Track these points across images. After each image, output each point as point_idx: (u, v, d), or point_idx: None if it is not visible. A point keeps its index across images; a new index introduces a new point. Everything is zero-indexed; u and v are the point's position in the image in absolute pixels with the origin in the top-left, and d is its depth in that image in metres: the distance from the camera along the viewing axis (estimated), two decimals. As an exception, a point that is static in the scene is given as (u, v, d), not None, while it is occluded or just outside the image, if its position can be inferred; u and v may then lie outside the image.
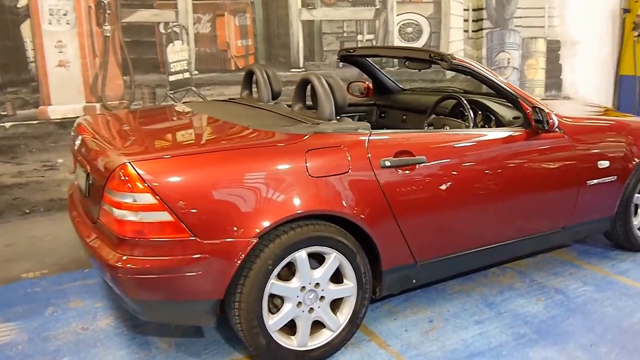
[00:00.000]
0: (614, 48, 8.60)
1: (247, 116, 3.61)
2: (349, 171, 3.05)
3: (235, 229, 2.78)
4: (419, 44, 6.91)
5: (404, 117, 4.83)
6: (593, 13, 8.24)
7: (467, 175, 3.46)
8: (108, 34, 5.46)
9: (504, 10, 7.36)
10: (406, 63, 4.12)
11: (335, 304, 3.16)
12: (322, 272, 3.04)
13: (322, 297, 3.06)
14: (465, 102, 3.93)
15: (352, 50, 4.65)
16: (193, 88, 5.86)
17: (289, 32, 6.24)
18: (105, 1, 5.40)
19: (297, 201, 2.90)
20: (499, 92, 3.77)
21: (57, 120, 5.41)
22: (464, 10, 7.16)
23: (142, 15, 5.58)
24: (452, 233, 3.51)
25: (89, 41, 5.40)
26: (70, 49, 5.35)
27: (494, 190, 3.57)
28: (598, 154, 4.02)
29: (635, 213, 4.33)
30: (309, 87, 3.41)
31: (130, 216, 2.69)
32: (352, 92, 5.17)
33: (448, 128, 3.93)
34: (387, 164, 3.15)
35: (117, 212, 2.71)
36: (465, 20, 7.20)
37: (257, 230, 2.79)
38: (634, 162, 4.17)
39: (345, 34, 6.54)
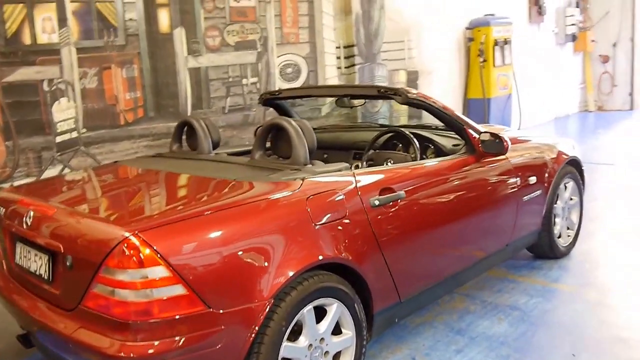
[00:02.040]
0: (461, 75, 9.35)
1: (205, 169, 3.43)
2: (346, 215, 3.01)
3: (251, 292, 2.60)
4: (298, 82, 7.01)
5: (325, 155, 4.85)
6: (442, 44, 8.91)
7: (440, 204, 3.57)
8: (-14, 97, 4.91)
9: (372, 46, 7.72)
10: (347, 100, 4.16)
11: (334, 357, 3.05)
12: (326, 325, 2.93)
13: (327, 352, 2.95)
14: (410, 135, 4.03)
15: (277, 93, 4.59)
16: (82, 148, 5.44)
17: (176, 81, 6.03)
18: (-19, 60, 4.86)
19: (307, 253, 2.80)
20: (448, 123, 3.92)
21: None
22: (336, 47, 7.40)
23: (24, 73, 5.09)
24: (429, 264, 3.59)
25: (-36, 106, 4.82)
26: (-57, 116, 4.74)
27: (461, 215, 3.73)
28: (529, 170, 4.29)
29: (554, 222, 4.70)
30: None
31: (138, 295, 2.40)
32: None
33: (392, 162, 3.99)
34: (377, 203, 3.15)
35: (122, 293, 2.40)
36: (338, 58, 7.44)
37: (273, 291, 2.64)
38: (553, 174, 4.51)
39: (230, 79, 6.46)
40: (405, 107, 7.85)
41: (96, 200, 3.27)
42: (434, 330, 3.80)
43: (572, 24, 11.75)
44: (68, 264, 2.61)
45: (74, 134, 5.39)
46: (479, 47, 9.01)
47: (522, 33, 10.44)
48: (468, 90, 9.31)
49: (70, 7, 5.35)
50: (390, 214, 3.23)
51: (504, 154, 3.93)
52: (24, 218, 2.94)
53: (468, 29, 9.27)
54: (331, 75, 7.31)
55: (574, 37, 11.92)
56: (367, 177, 3.25)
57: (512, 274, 4.62)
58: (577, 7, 12.17)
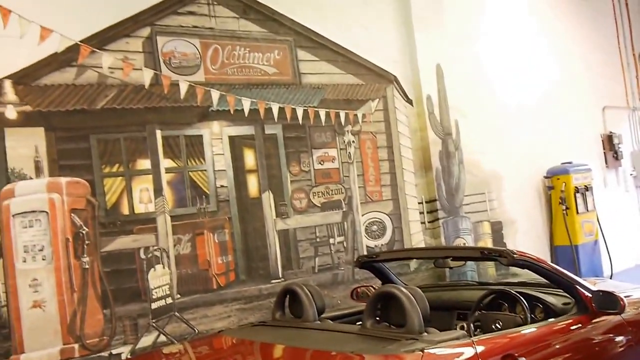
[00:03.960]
0: (545, 222, 9.17)
1: (317, 340, 3.32)
2: None
3: None
4: (384, 239, 6.98)
5: (427, 320, 4.68)
6: (522, 193, 8.85)
7: None
8: (87, 266, 5.03)
9: (454, 200, 7.71)
10: (447, 262, 4.07)
11: None
12: None
13: None
14: (518, 295, 3.87)
15: (375, 256, 4.54)
16: (176, 314, 5.43)
17: (266, 243, 6.10)
18: (83, 232, 5.04)
19: None
20: (556, 282, 3.76)
21: (30, 371, 4.72)
22: (419, 203, 7.42)
23: (122, 242, 5.25)
24: None
25: (66, 276, 4.94)
26: (46, 286, 4.85)
27: None
28: None
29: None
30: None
31: None
32: (361, 298, 4.99)
33: (500, 323, 3.82)
34: None
35: None
36: (421, 213, 7.43)
37: None
38: None
39: (318, 239, 6.49)
40: (491, 264, 7.66)
41: None
42: None
43: (651, 167, 11.55)
44: None
45: (169, 300, 5.42)
46: (559, 194, 8.90)
47: (601, 179, 10.29)
48: (554, 238, 9.07)
49: (165, 177, 5.59)
50: None
51: (621, 313, 3.72)
52: None
53: (546, 177, 9.20)
54: (416, 231, 7.27)
55: (653, 180, 11.67)
56: (486, 344, 3.10)
57: None
58: (653, 149, 12.00)
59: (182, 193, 5.67)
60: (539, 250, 8.75)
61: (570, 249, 8.73)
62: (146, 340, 5.22)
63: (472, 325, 4.03)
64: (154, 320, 5.30)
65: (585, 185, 9.21)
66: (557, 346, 3.44)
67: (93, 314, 5.03)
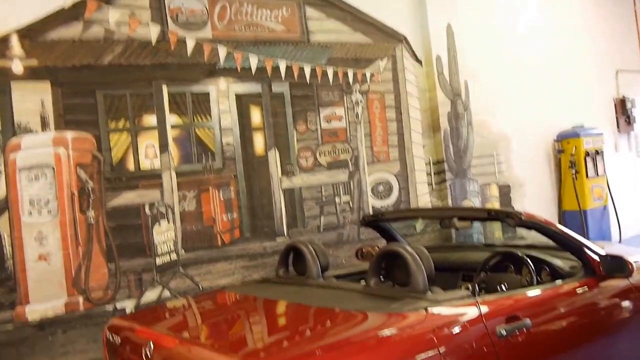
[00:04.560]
0: (553, 187, 9.10)
1: (320, 297, 3.32)
2: (473, 346, 2.81)
3: None
4: (390, 200, 6.95)
5: (432, 279, 4.68)
6: (531, 156, 8.75)
7: (565, 332, 3.33)
8: (92, 221, 5.04)
9: (462, 161, 7.64)
10: (453, 222, 4.03)
11: None
12: None
13: None
14: (524, 257, 3.84)
15: (380, 215, 4.51)
16: (181, 269, 5.45)
17: (271, 201, 6.09)
18: (89, 186, 5.03)
19: None
20: (564, 244, 3.72)
21: (35, 322, 4.76)
22: (426, 164, 7.36)
23: (127, 198, 5.25)
24: None
25: (71, 230, 4.96)
26: (52, 240, 4.88)
27: (587, 343, 3.47)
28: None
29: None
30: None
31: None
32: (365, 257, 4.98)
33: (506, 285, 3.79)
34: (503, 332, 2.96)
35: None
36: (428, 174, 7.38)
37: None
38: None
39: (324, 198, 6.47)
40: (497, 224, 7.63)
41: (215, 331, 3.19)
42: None
43: (664, 133, 11.39)
44: None
45: (173, 256, 5.44)
46: (569, 158, 8.80)
47: (612, 143, 10.17)
48: (563, 203, 9.01)
49: (171, 133, 5.55)
50: (517, 343, 3.03)
51: (629, 277, 3.68)
52: (143, 349, 2.88)
53: (557, 141, 9.10)
54: (423, 192, 7.23)
55: (666, 146, 11.52)
56: (491, 304, 3.07)
57: None
58: (666, 115, 11.83)
59: (187, 150, 5.65)
60: (547, 214, 8.62)
61: (578, 214, 8.66)
62: (150, 295, 5.26)
63: (477, 286, 4.02)
64: (158, 276, 5.33)
65: (596, 150, 9.10)
66: (563, 309, 3.40)
67: (98, 268, 5.06)
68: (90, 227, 5.03)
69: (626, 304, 3.77)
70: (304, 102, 6.44)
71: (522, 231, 7.71)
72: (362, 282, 3.60)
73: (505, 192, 8.20)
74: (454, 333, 2.82)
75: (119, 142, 5.31)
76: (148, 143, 5.44)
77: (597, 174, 9.08)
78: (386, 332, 2.67)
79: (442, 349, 2.70)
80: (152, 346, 2.86)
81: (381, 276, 3.32)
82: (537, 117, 8.75)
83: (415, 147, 7.25)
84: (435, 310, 2.88)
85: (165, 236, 5.40)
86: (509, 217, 3.55)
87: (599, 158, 9.13)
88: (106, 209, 5.13)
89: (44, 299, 4.81)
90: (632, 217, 10.17)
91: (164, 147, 5.49)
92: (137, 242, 5.28)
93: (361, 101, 6.80)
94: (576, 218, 8.62)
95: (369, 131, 6.89)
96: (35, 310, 4.78)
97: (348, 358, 2.49)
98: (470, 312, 2.95)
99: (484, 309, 3.01)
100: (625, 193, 9.96)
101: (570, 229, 8.17)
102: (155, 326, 3.22)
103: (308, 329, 2.95)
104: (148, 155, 5.43)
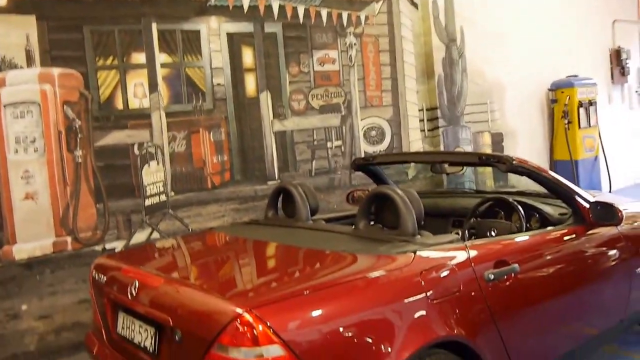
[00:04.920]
0: (545, 136, 9.07)
1: (308, 239, 3.30)
2: (460, 290, 2.82)
3: None
4: (383, 146, 6.89)
5: (422, 222, 4.67)
6: (525, 105, 8.70)
7: (553, 277, 3.37)
8: (80, 160, 4.96)
9: (455, 108, 7.57)
10: (443, 167, 4.01)
11: None
12: None
13: None
14: (515, 203, 3.84)
15: (371, 159, 4.47)
16: (170, 211, 5.41)
17: (262, 144, 6.01)
18: (76, 125, 4.93)
19: (424, 331, 2.64)
20: (555, 191, 3.71)
21: (23, 262, 4.73)
22: (419, 110, 7.28)
23: (115, 137, 5.15)
24: (543, 342, 3.34)
25: (59, 169, 4.87)
26: (39, 179, 4.79)
27: (575, 289, 3.51)
28: (639, 239, 4.01)
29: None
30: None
31: (253, 374, 2.26)
32: (356, 202, 4.96)
33: (495, 231, 3.80)
34: (491, 277, 2.98)
35: None
36: (421, 120, 7.31)
37: None
38: None
39: (315, 142, 6.40)
40: (489, 169, 7.61)
41: (202, 271, 3.18)
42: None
43: (657, 85, 11.33)
44: (177, 338, 2.50)
45: (163, 197, 5.38)
46: (563, 108, 8.75)
47: (606, 94, 10.10)
48: (554, 152, 9.00)
49: (160, 72, 5.43)
50: (505, 288, 3.06)
51: (618, 224, 3.69)
52: (129, 288, 2.86)
53: (550, 90, 9.02)
54: (415, 138, 7.18)
55: (659, 98, 11.48)
56: (480, 249, 3.08)
57: (624, 351, 4.33)
58: (661, 67, 11.74)
59: (177, 89, 5.53)
60: (538, 163, 8.67)
61: (570, 164, 8.67)
62: (139, 237, 5.22)
63: (466, 231, 4.02)
64: (147, 217, 5.29)
65: (589, 100, 9.05)
66: (552, 255, 3.42)
67: (86, 208, 5.00)
68: (78, 167, 4.95)
69: (614, 251, 3.81)
70: (296, 43, 6.30)
71: (513, 180, 7.72)
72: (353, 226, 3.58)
73: (497, 140, 8.17)
74: (442, 276, 2.82)
75: (107, 80, 5.18)
76: (137, 82, 5.32)
77: (590, 125, 9.06)
78: (374, 274, 2.66)
79: (429, 293, 2.71)
80: (137, 285, 2.85)
81: (371, 219, 3.30)
82: (532, 65, 8.66)
83: (409, 93, 7.15)
84: (424, 253, 2.87)
85: (154, 177, 5.34)
86: (500, 162, 3.53)
87: (592, 109, 9.10)
88: (94, 148, 5.03)
89: (32, 238, 4.76)
90: (622, 168, 10.20)
91: (153, 86, 5.37)
92: (126, 182, 5.20)
93: (355, 44, 6.67)
94: (567, 168, 8.63)
95: (362, 75, 6.77)
96: (23, 249, 4.73)
97: (336, 299, 2.48)
98: (459, 256, 2.96)
99: (473, 253, 3.01)
100: (616, 145, 9.97)
101: (561, 178, 8.12)
102: (141, 265, 3.20)
103: (296, 270, 2.94)
104: (137, 95, 5.32)
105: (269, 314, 2.29)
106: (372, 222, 3.32)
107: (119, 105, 5.22)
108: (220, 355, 2.30)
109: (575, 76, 9.03)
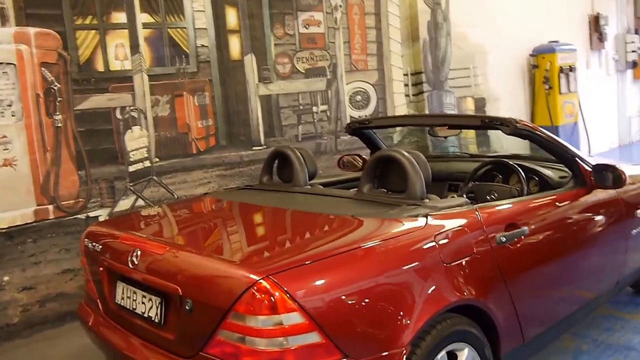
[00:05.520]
0: (527, 102, 9.05)
1: (311, 204, 3.19)
2: (473, 253, 2.76)
3: (387, 339, 2.37)
4: (368, 111, 6.78)
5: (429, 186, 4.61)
6: (507, 70, 8.64)
7: (559, 240, 3.34)
8: (60, 124, 4.73)
9: (440, 73, 7.47)
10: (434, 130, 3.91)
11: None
12: None
13: (457, 406, 2.67)
14: (516, 166, 3.77)
15: (367, 122, 4.34)
16: (155, 178, 5.23)
17: (248, 108, 5.83)
18: (55, 87, 4.70)
19: (440, 295, 2.57)
20: (557, 154, 3.65)
21: (3, 231, 4.53)
22: (404, 75, 7.16)
23: (96, 101, 4.93)
24: (550, 303, 3.34)
25: (38, 134, 4.65)
26: (17, 144, 4.56)
27: (579, 251, 3.50)
28: (634, 202, 4.01)
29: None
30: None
31: (271, 344, 2.15)
32: (346, 167, 4.85)
33: (495, 195, 3.73)
34: (503, 239, 2.93)
35: (253, 341, 2.16)
36: (406, 85, 7.20)
37: (410, 336, 2.40)
38: None
39: (301, 107, 6.24)
40: (472, 134, 7.57)
41: (209, 237, 3.03)
42: (556, 375, 3.49)
43: (633, 51, 11.37)
44: (187, 307, 2.37)
45: (147, 163, 5.20)
46: (544, 74, 8.72)
47: (584, 60, 10.11)
48: (535, 118, 8.99)
49: (142, 33, 5.20)
50: (515, 251, 3.01)
51: (622, 187, 3.66)
52: (129, 256, 2.72)
53: (532, 56, 8.98)
54: (400, 103, 7.07)
55: (634, 64, 11.53)
56: (489, 212, 3.01)
57: (616, 311, 4.34)
58: (636, 33, 11.79)
59: (160, 51, 5.30)
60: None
61: (550, 130, 8.63)
62: (124, 204, 5.05)
63: (464, 195, 3.94)
64: (131, 184, 5.11)
65: (569, 66, 9.04)
66: (557, 218, 3.40)
67: (67, 174, 4.79)
68: (58, 131, 4.73)
69: (613, 214, 3.79)
70: (281, 4, 6.09)
71: (495, 146, 7.70)
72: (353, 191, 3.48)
73: (480, 105, 8.11)
74: (456, 240, 2.76)
75: (86, 41, 4.93)
76: (118, 42, 5.08)
77: (570, 91, 9.07)
78: (388, 237, 2.57)
79: (443, 257, 2.64)
80: (138, 253, 2.71)
81: (375, 183, 3.20)
82: (515, 30, 8.60)
83: (394, 57, 7.02)
84: (436, 217, 2.79)
85: (138, 143, 5.14)
86: (503, 125, 3.43)
87: (571, 74, 9.10)
88: (74, 112, 4.80)
89: (11, 206, 4.54)
90: (600, 133, 10.28)
91: (135, 47, 5.14)
92: (108, 148, 4.99)
93: (340, 6, 6.49)
94: (547, 133, 8.61)
95: (347, 38, 6.61)
96: (3, 218, 4.51)
97: (352, 264, 2.39)
98: (471, 219, 2.89)
99: (484, 216, 2.95)
100: (594, 110, 10.01)
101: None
102: (140, 232, 3.06)
103: (307, 235, 2.82)
104: (118, 56, 5.08)
105: (287, 280, 2.18)
106: (376, 185, 3.22)
107: (100, 67, 4.99)
108: (236, 324, 2.19)
109: (556, 42, 9.00)
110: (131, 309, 2.77)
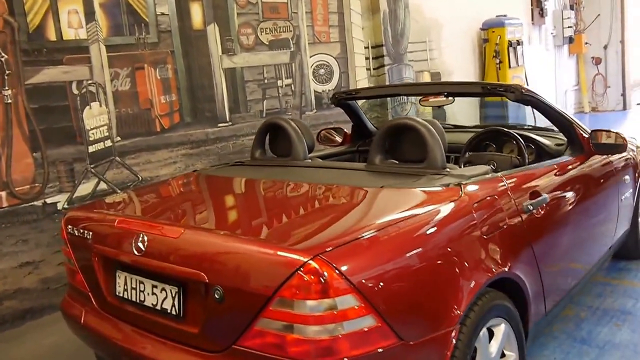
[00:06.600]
0: (477, 76, 9.03)
1: (325, 177, 2.95)
2: (506, 223, 2.62)
3: (439, 318, 2.21)
4: (331, 85, 6.51)
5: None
6: (460, 44, 8.57)
7: (572, 207, 3.29)
8: (9, 100, 4.22)
9: (399, 45, 7.28)
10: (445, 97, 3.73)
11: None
12: (496, 349, 2.54)
13: (495, 380, 2.52)
14: (515, 134, 3.65)
15: (354, 93, 4.10)
16: (117, 158, 4.80)
17: (212, 82, 5.43)
18: (2, 59, 4.19)
19: (483, 268, 2.45)
20: (557, 121, 3.58)
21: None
22: (365, 47, 6.93)
23: (50, 74, 4.43)
24: (567, 272, 3.33)
25: (-15, 112, 4.14)
26: (-37, 123, 4.05)
27: (587, 217, 3.49)
28: (624, 169, 4.04)
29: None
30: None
31: (324, 331, 1.91)
32: (324, 141, 4.62)
33: (495, 164, 3.60)
34: (530, 207, 2.85)
35: (303, 329, 1.92)
36: (367, 58, 6.97)
37: (459, 313, 2.24)
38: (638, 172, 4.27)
39: (266, 80, 5.90)
40: (429, 108, 7.43)
41: (227, 217, 2.71)
42: (557, 341, 3.50)
43: (569, 27, 11.60)
44: (217, 296, 2.07)
45: (108, 143, 4.74)
46: (494, 47, 8.71)
47: (527, 35, 10.21)
48: (485, 93, 8.96)
49: (96, -1, 4.73)
50: (538, 219, 2.92)
51: (624, 152, 3.66)
52: (133, 242, 2.37)
53: (482, 30, 8.95)
54: (361, 77, 6.84)
55: (570, 40, 11.77)
56: (514, 180, 2.87)
57: (602, 277, 4.37)
58: (572, 9, 12.04)
59: (117, 19, 4.83)
60: (470, 104, 8.64)
61: (500, 104, 8.66)
62: (85, 188, 4.59)
63: (462, 165, 3.79)
64: (92, 166, 4.65)
65: (517, 40, 9.08)
66: (570, 185, 3.35)
67: (21, 157, 4.29)
68: (8, 109, 4.22)
69: (609, 179, 3.81)
70: (243, -29, 5.73)
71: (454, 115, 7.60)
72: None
73: (435, 79, 8.00)
74: (491, 210, 2.62)
75: (35, 6, 4.40)
76: (71, 8, 4.57)
77: (518, 65, 9.11)
78: (429, 209, 2.37)
79: (480, 224, 2.49)
80: (145, 238, 2.37)
81: (385, 154, 3.00)
82: (466, 3, 8.51)
83: (355, 29, 6.77)
84: (470, 186, 2.61)
85: (97, 120, 4.68)
86: (508, 91, 3.32)
87: (519, 48, 9.13)
88: (25, 87, 4.29)
89: (-43, 193, 4.05)
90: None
91: (90, 14, 4.65)
92: (65, 126, 4.50)
93: (302, -27, 6.18)
94: (497, 107, 8.61)
95: (310, 8, 6.30)
96: (-51, 208, 4.02)
97: (399, 238, 2.19)
98: (498, 186, 2.76)
99: (510, 184, 2.81)
100: (535, 84, 10.13)
101: (491, 119, 8.25)
102: (142, 215, 2.71)
103: (343, 208, 2.55)
104: (72, 24, 4.59)
105: (339, 259, 1.95)
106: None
107: (52, 36, 4.48)
108: (281, 312, 1.93)
109: (505, 15, 9.00)
110: (138, 301, 2.44)
